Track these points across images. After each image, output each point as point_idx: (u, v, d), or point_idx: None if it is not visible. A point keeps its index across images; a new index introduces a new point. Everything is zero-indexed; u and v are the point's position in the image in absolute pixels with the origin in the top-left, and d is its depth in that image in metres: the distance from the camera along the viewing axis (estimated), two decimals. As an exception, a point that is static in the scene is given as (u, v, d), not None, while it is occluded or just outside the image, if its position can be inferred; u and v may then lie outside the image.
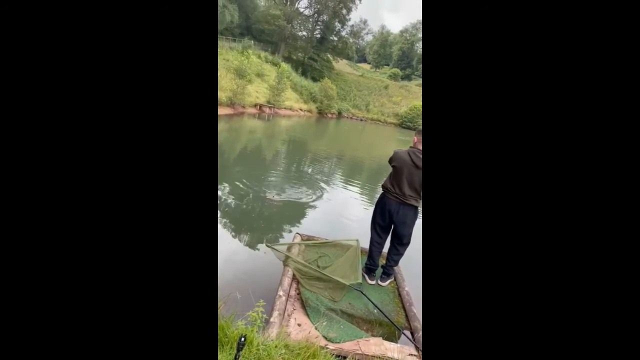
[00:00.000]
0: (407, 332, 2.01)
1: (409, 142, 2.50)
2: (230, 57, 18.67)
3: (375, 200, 2.45)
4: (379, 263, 2.49)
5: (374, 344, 1.76)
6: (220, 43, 20.82)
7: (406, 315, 2.16)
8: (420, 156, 2.14)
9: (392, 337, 1.96)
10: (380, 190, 2.41)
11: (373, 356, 1.66)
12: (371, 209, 4.79)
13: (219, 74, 15.05)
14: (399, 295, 2.39)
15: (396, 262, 2.44)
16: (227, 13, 22.99)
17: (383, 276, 2.47)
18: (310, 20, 31.13)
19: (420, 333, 1.94)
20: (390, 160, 2.30)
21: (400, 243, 2.36)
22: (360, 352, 1.68)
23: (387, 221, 2.33)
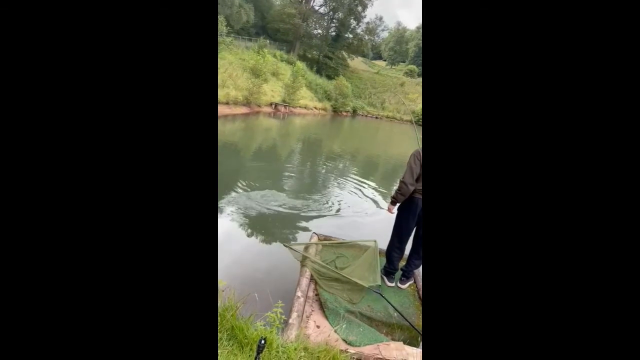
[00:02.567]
0: (429, 337, 1.95)
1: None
2: (246, 56, 18.85)
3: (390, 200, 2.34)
4: (398, 267, 2.43)
5: (395, 349, 1.71)
6: (236, 42, 21.06)
7: (427, 319, 2.10)
8: None
9: (413, 341, 1.91)
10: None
11: (394, 361, 1.62)
12: (383, 207, 4.75)
13: (235, 74, 15.25)
14: (420, 298, 2.33)
15: (417, 266, 2.38)
16: (243, 13, 23.24)
17: (402, 279, 2.41)
18: (325, 18, 31.04)
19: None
20: (416, 163, 2.10)
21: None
22: (380, 356, 1.64)
23: (414, 224, 2.23)
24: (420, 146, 2.25)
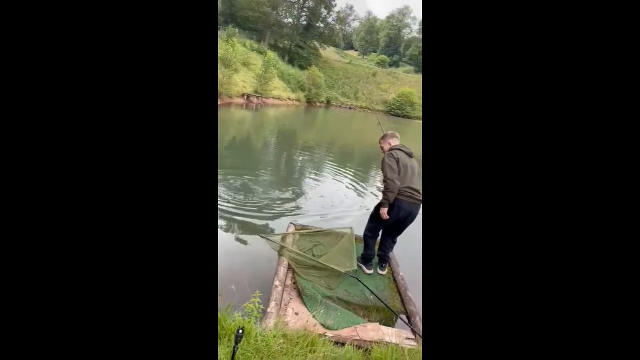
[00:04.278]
0: (404, 316, 2.03)
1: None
2: (214, 45, 18.10)
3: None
4: (375, 252, 2.51)
5: (372, 329, 1.77)
6: (203, 31, 20.15)
7: (402, 300, 2.19)
8: (409, 149, 2.29)
9: (389, 321, 1.98)
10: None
11: (371, 341, 1.67)
12: (362, 196, 4.83)
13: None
14: (394, 280, 2.41)
15: (390, 249, 2.47)
16: (210, 0, 22.22)
17: (382, 264, 2.49)
18: (296, 6, 30.47)
19: (416, 317, 1.96)
20: (392, 160, 2.19)
21: (397, 236, 2.41)
22: (358, 337, 1.69)
23: (394, 222, 2.28)
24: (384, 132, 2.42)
